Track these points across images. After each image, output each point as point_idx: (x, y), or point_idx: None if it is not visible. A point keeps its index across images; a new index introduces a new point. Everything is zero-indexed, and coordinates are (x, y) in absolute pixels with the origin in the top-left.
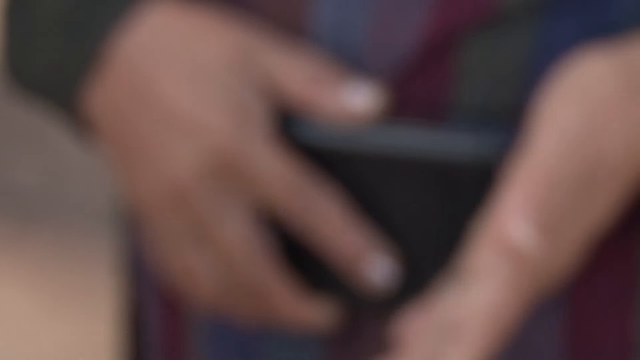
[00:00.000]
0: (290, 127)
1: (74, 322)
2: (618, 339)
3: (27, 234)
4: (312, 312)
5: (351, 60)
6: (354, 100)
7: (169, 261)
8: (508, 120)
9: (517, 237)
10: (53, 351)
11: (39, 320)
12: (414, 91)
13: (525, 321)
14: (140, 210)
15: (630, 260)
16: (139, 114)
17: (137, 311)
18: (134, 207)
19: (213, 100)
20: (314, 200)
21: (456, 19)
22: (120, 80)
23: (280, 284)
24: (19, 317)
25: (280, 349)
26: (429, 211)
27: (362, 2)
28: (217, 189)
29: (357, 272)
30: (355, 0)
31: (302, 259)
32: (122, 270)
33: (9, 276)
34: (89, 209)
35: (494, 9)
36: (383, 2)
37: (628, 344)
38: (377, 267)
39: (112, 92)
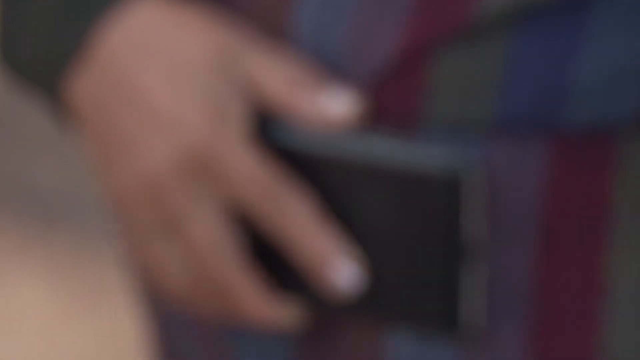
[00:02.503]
0: (267, 129)
1: (94, 322)
2: (586, 276)
3: (46, 235)
4: (277, 313)
5: (330, 66)
6: (331, 106)
7: (140, 254)
8: (481, 133)
9: None
10: (73, 351)
11: (59, 320)
12: (388, 100)
13: (494, 249)
14: (114, 201)
15: (602, 196)
16: (118, 106)
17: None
18: (109, 199)
19: (191, 98)
20: (284, 202)
21: (432, 31)
22: (103, 72)
23: (246, 283)
24: (39, 317)
25: (252, 349)
26: (398, 220)
27: (341, 8)
28: (189, 186)
29: (322, 276)
30: (334, 6)
31: (270, 260)
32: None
33: (29, 276)
34: (108, 211)
35: (469, 22)
36: (361, 10)
37: (597, 281)
38: (342, 273)
39: (94, 83)
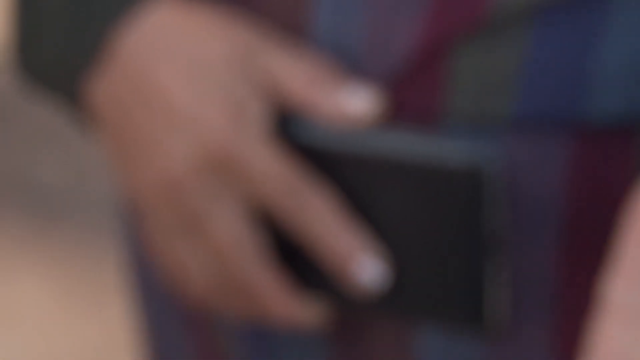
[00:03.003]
0: (287, 127)
1: (95, 319)
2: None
3: (48, 231)
4: (301, 311)
5: (349, 63)
6: (351, 103)
7: (163, 254)
8: (501, 129)
9: None
10: (74, 349)
11: (60, 318)
12: (407, 97)
13: (516, 245)
14: (136, 202)
15: (624, 190)
16: (138, 107)
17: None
18: (131, 200)
19: (211, 97)
20: (307, 200)
21: (449, 27)
22: (122, 73)
23: (270, 281)
24: (40, 315)
25: (287, 349)
26: (420, 216)
27: (358, 6)
28: (210, 184)
29: (347, 273)
30: (352, 5)
31: (294, 257)
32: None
33: (30, 273)
34: (110, 207)
35: (486, 18)
36: (378, 8)
37: None
38: (366, 269)
39: (114, 84)
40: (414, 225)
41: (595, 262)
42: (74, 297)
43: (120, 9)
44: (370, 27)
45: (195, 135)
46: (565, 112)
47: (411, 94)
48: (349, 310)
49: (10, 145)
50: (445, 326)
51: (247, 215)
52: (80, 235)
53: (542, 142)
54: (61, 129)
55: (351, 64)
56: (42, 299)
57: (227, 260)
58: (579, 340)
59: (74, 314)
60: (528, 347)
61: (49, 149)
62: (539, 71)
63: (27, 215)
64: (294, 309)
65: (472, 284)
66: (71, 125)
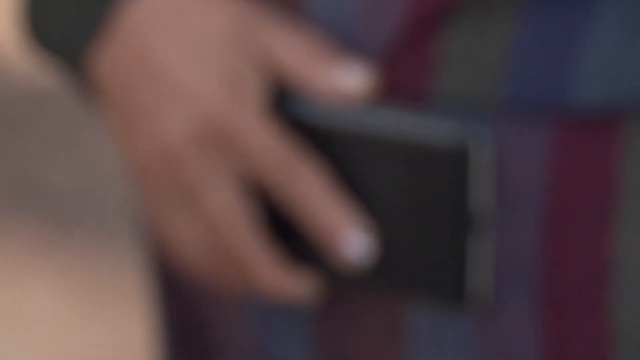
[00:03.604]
0: (284, 102)
1: (109, 324)
2: (592, 254)
3: (60, 236)
4: (292, 284)
5: (343, 40)
6: (345, 79)
7: (158, 225)
8: (488, 110)
9: None
10: (87, 353)
11: (74, 322)
12: (399, 75)
13: (501, 223)
14: (134, 172)
15: (608, 176)
16: (139, 79)
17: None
18: (130, 170)
19: (210, 70)
20: (297, 173)
21: (436, 3)
22: (124, 46)
23: (262, 253)
24: (53, 319)
25: (270, 324)
26: (408, 192)
27: None
28: (206, 156)
29: (334, 247)
30: None
31: (286, 232)
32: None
33: (44, 278)
34: (123, 212)
35: None
36: None
37: (603, 260)
38: (353, 243)
39: (115, 57)
40: (402, 201)
41: (579, 244)
42: (86, 301)
43: None
44: (363, 4)
45: (192, 107)
46: (551, 97)
47: (402, 73)
48: (338, 284)
49: (22, 150)
50: (430, 300)
51: (240, 187)
52: (91, 240)
53: (528, 125)
54: (73, 135)
55: (345, 40)
56: (54, 303)
57: (220, 232)
58: (563, 320)
59: (86, 317)
60: (512, 327)
61: (61, 155)
62: (526, 56)
63: (39, 220)
64: (284, 281)
65: (455, 260)
66: (85, 129)
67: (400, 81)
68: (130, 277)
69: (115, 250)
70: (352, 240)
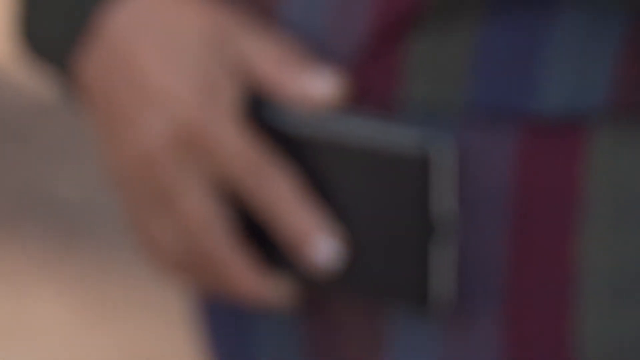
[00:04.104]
0: (257, 109)
1: (116, 335)
2: (556, 260)
3: (67, 247)
4: (266, 288)
5: (315, 47)
6: (314, 86)
7: (137, 227)
8: (454, 117)
9: None
10: None
11: (80, 334)
12: (367, 82)
13: (465, 229)
14: (115, 175)
15: (572, 182)
16: (118, 84)
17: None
18: (111, 173)
19: (184, 76)
20: (269, 178)
21: (401, 8)
22: (105, 51)
23: (235, 258)
24: (60, 330)
25: (266, 334)
26: (374, 198)
27: None
28: (180, 160)
29: (304, 251)
30: None
31: (260, 236)
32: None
33: (52, 290)
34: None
35: (434, 3)
36: None
37: (567, 266)
38: (322, 248)
39: (98, 60)
40: (368, 207)
41: (543, 249)
42: (93, 313)
43: None
44: (333, 11)
45: (167, 112)
46: (514, 104)
47: (370, 80)
48: (310, 288)
49: (29, 162)
50: (396, 305)
51: (214, 192)
52: (98, 251)
53: (493, 131)
54: (80, 146)
55: (316, 47)
56: (61, 314)
57: (194, 235)
58: (527, 325)
59: (93, 329)
60: (478, 332)
61: (68, 166)
62: (490, 63)
63: (46, 231)
64: (258, 286)
65: (419, 265)
66: (92, 140)
67: (368, 88)
68: (137, 287)
69: (121, 262)
70: (321, 245)
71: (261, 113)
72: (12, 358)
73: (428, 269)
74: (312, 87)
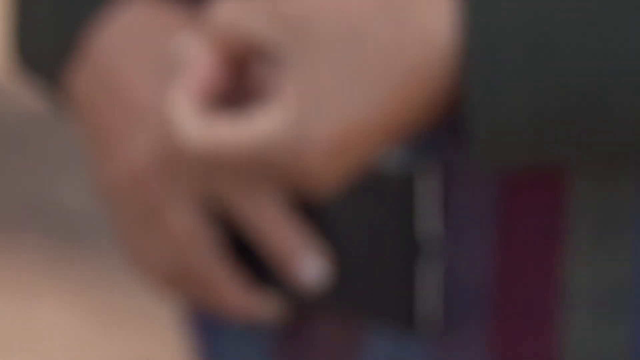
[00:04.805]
0: None
1: (120, 343)
2: (542, 279)
3: (70, 255)
4: (253, 304)
5: None
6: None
7: (126, 242)
8: (439, 137)
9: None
10: None
11: (84, 342)
12: None
13: (451, 249)
14: (103, 190)
15: (558, 202)
16: (105, 101)
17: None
18: (99, 187)
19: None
20: (255, 197)
21: None
22: (93, 69)
23: (222, 273)
24: (64, 339)
25: (229, 343)
26: (360, 218)
27: None
28: (167, 178)
29: (290, 269)
30: None
31: (248, 253)
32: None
33: (51, 296)
34: None
35: None
36: None
37: (553, 284)
38: (309, 267)
39: (87, 78)
40: (354, 227)
41: (529, 269)
42: (97, 321)
43: (97, 8)
44: None
45: (154, 130)
46: None
47: None
48: (297, 305)
49: (31, 169)
50: (382, 324)
51: (201, 209)
52: (101, 259)
53: None
54: (81, 154)
55: None
56: (65, 322)
57: (182, 251)
58: (513, 343)
59: (97, 337)
60: (467, 351)
61: (70, 173)
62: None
63: (48, 239)
64: (246, 302)
65: (404, 285)
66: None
67: None
68: (140, 296)
69: (124, 269)
70: (307, 264)
71: None
72: None
73: (414, 289)
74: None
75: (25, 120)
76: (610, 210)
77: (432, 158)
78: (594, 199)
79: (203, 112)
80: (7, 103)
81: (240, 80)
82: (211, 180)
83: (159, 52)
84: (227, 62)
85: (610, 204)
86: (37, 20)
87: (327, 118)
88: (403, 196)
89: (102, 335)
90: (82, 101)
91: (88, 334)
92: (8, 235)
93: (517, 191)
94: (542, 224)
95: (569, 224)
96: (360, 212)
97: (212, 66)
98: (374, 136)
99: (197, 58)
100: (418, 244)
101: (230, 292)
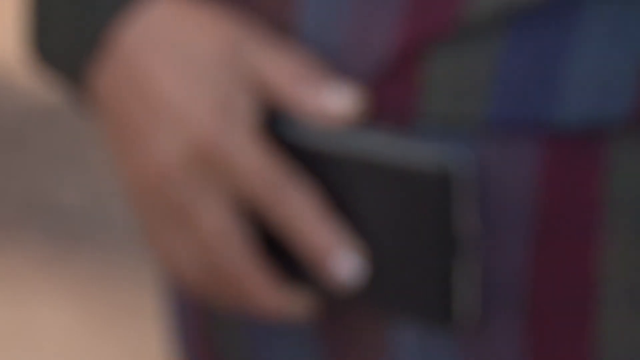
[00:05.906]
0: (274, 124)
1: (118, 341)
2: (578, 272)
3: (70, 253)
4: (286, 303)
5: (333, 63)
6: (333, 102)
7: (155, 244)
8: (474, 131)
9: None
10: None
11: (83, 340)
12: (386, 98)
13: (487, 244)
14: (130, 189)
15: (594, 194)
16: (132, 100)
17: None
18: (126, 187)
19: (200, 93)
20: (289, 195)
21: (425, 29)
22: (119, 67)
23: (255, 272)
24: (63, 336)
25: (280, 341)
26: (395, 215)
27: (341, 5)
28: (197, 178)
29: (325, 267)
30: (335, 4)
31: (280, 250)
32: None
33: (52, 295)
34: (132, 229)
35: (460, 22)
36: (360, 8)
37: (589, 277)
38: (343, 264)
39: (112, 75)
40: (389, 223)
41: (566, 262)
42: (96, 319)
43: (122, 4)
44: (352, 27)
45: (183, 129)
46: (536, 117)
47: (389, 95)
48: (330, 302)
49: (31, 167)
50: (417, 321)
51: (232, 208)
52: (101, 257)
53: (514, 145)
54: (82, 152)
55: (334, 62)
56: (63, 319)
57: (213, 252)
58: (550, 340)
59: (96, 335)
60: (499, 347)
61: (70, 171)
62: (511, 76)
63: (48, 237)
64: (278, 300)
65: (442, 281)
66: (93, 147)
67: (388, 104)
68: (139, 293)
69: (124, 267)
70: (342, 261)
71: (278, 128)
72: None
73: (451, 286)
74: (330, 103)
75: (25, 118)
76: None
77: (467, 151)
78: (631, 194)
79: None
80: (6, 101)
81: None
82: (241, 178)
83: (188, 50)
84: None
85: None
86: (56, 14)
87: None
88: (439, 191)
89: (101, 333)
90: (107, 99)
91: (87, 332)
92: (7, 233)
93: (553, 183)
94: (580, 216)
95: (607, 216)
96: (395, 207)
97: None
98: None
99: None
100: (455, 239)
101: (263, 292)
